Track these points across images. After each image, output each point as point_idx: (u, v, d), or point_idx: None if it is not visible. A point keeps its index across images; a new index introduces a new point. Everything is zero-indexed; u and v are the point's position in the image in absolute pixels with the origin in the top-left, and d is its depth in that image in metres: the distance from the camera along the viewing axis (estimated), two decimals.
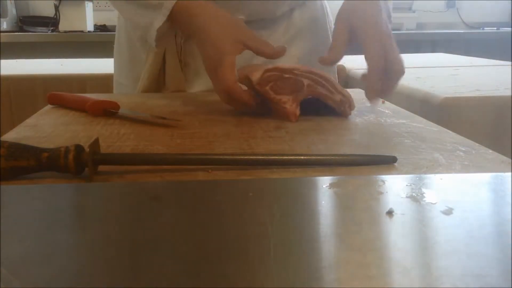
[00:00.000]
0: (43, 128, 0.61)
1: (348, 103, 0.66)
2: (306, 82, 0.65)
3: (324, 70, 0.78)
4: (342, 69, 1.60)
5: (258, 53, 0.68)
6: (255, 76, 0.64)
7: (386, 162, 0.46)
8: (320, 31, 0.92)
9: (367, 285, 0.25)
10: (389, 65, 0.65)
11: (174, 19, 0.71)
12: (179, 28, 0.77)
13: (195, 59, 0.86)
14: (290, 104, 0.65)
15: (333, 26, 0.95)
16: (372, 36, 0.66)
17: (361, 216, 0.34)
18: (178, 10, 0.70)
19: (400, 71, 0.66)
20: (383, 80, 0.66)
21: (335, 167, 0.45)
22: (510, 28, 2.94)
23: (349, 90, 0.82)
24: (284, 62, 0.72)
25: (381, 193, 0.37)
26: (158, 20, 0.71)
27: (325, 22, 0.93)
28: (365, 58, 0.66)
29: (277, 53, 0.67)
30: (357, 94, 0.84)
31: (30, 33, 2.73)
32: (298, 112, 0.65)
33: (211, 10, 0.69)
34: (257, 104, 0.66)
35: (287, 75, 0.64)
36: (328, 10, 0.96)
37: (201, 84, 0.88)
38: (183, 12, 0.70)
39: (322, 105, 0.67)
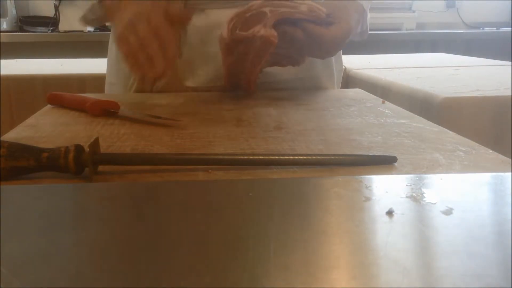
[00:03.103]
0: (43, 128, 0.61)
1: (316, 7, 0.65)
2: (267, 10, 0.66)
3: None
4: (341, 69, 1.59)
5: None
6: (224, 32, 0.66)
7: (386, 162, 0.46)
8: None
9: (367, 285, 0.25)
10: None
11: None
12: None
13: (191, 50, 0.86)
14: (264, 29, 0.65)
15: None
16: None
17: (361, 216, 0.34)
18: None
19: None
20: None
21: (335, 167, 0.45)
22: (510, 28, 2.94)
23: (349, 90, 0.82)
24: None
25: (381, 193, 0.37)
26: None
27: None
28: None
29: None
30: (357, 94, 0.84)
31: (30, 33, 2.72)
32: (275, 33, 0.65)
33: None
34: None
35: (248, 15, 0.66)
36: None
37: (197, 77, 0.87)
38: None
39: (296, 22, 0.67)
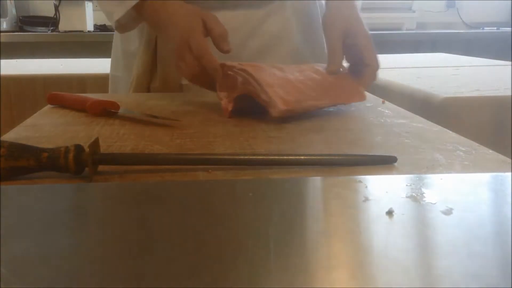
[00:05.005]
0: (43, 128, 0.61)
1: (272, 106, 0.62)
2: (240, 79, 0.65)
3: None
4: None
5: (212, 37, 0.71)
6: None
7: (386, 162, 0.46)
8: (312, 24, 0.92)
9: (367, 285, 0.25)
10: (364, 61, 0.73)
11: (138, 11, 0.77)
12: (144, 20, 0.80)
13: None
14: (225, 101, 0.67)
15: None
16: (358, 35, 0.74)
17: (361, 216, 0.34)
18: (142, 5, 0.75)
19: (374, 67, 0.73)
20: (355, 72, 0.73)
21: (335, 167, 0.45)
22: (510, 28, 2.94)
23: None
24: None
25: (381, 193, 0.37)
26: (117, 12, 0.77)
27: (318, 18, 0.93)
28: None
29: (224, 50, 0.70)
30: None
31: (30, 33, 2.72)
32: (230, 108, 0.66)
33: (174, 3, 0.74)
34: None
35: (229, 72, 0.66)
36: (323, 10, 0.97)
37: None
38: (146, 7, 0.75)
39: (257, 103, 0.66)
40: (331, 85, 0.70)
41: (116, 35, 0.96)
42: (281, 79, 0.66)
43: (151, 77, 0.88)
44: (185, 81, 0.88)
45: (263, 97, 0.63)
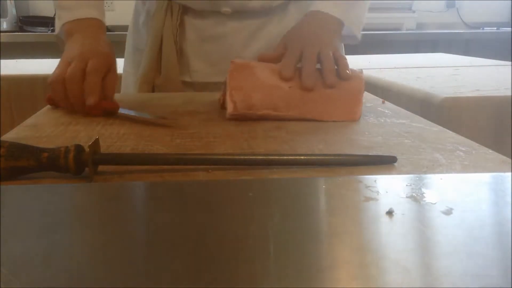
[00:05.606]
0: (43, 128, 0.61)
1: (227, 107, 0.64)
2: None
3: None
4: None
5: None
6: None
7: (386, 162, 0.46)
8: None
9: (367, 285, 0.25)
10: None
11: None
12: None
13: (188, 46, 0.87)
14: (228, 101, 0.68)
15: None
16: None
17: (361, 216, 0.34)
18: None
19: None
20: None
21: (335, 167, 0.45)
22: (510, 28, 2.94)
23: None
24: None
25: (381, 193, 0.37)
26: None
27: None
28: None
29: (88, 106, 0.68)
30: None
31: (30, 33, 2.73)
32: (230, 110, 0.67)
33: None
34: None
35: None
36: None
37: (193, 73, 0.88)
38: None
39: None
40: (320, 98, 0.65)
41: (129, 32, 0.98)
42: (260, 83, 0.65)
43: (156, 74, 0.88)
44: (186, 78, 0.89)
45: (226, 97, 0.65)
